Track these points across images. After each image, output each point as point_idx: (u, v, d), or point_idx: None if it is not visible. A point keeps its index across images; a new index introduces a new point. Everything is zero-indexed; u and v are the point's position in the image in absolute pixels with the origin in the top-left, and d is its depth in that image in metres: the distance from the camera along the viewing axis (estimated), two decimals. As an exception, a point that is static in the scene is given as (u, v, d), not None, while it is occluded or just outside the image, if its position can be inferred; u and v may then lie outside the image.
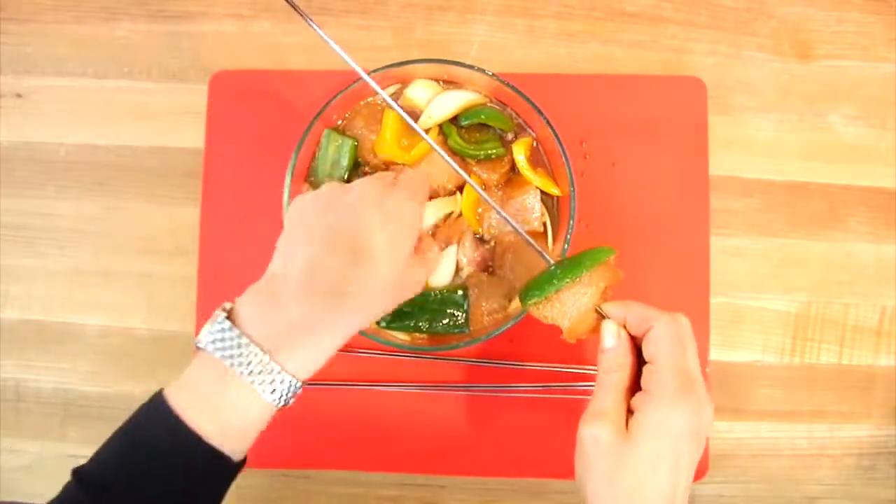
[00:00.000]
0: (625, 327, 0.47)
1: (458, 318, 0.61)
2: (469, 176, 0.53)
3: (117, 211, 0.70)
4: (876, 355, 0.68)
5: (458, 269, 0.62)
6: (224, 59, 0.71)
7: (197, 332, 0.66)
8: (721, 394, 0.67)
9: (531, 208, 0.61)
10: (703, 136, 0.68)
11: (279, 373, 0.42)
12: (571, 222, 0.59)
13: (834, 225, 0.69)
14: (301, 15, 0.49)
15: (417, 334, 0.62)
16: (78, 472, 0.42)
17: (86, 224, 0.70)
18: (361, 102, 0.63)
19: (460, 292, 0.61)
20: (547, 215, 0.63)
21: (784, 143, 0.70)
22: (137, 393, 0.69)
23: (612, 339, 0.46)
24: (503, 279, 0.62)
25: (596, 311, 0.48)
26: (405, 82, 0.63)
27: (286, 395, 0.43)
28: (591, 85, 0.69)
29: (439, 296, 0.61)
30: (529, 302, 0.50)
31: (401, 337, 0.62)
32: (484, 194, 0.53)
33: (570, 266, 0.49)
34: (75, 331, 0.69)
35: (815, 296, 0.69)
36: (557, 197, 0.63)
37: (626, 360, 0.46)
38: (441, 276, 0.62)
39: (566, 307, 0.48)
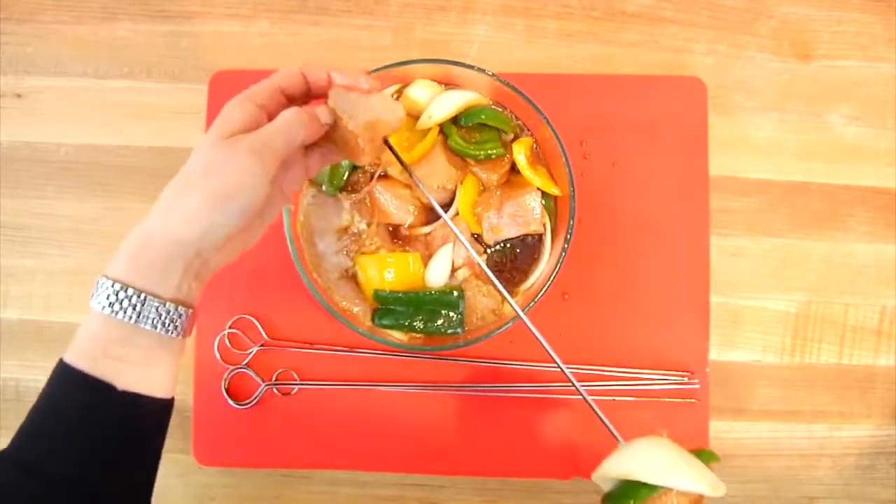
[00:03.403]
0: None
1: (454, 319, 0.61)
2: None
3: (117, 211, 0.70)
4: (876, 355, 0.68)
5: (453, 270, 0.62)
6: (224, 59, 0.71)
7: (197, 332, 0.67)
8: (721, 394, 0.67)
9: (531, 209, 0.61)
10: (703, 136, 0.68)
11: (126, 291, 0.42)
12: (571, 222, 0.59)
13: (834, 225, 0.69)
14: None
15: (414, 334, 0.62)
16: (1, 456, 0.42)
17: (86, 224, 0.70)
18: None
19: (455, 293, 0.61)
20: (547, 216, 0.63)
21: (784, 143, 0.70)
22: (137, 393, 0.68)
23: None
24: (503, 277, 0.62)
25: None
26: (405, 82, 0.63)
27: (153, 316, 0.43)
28: (591, 85, 0.69)
29: (434, 296, 0.61)
30: None
31: (398, 336, 0.62)
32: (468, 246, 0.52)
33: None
34: (75, 331, 0.69)
35: (815, 296, 0.69)
36: (557, 197, 0.63)
37: None
38: (437, 277, 0.62)
39: None
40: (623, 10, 0.71)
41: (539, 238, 0.63)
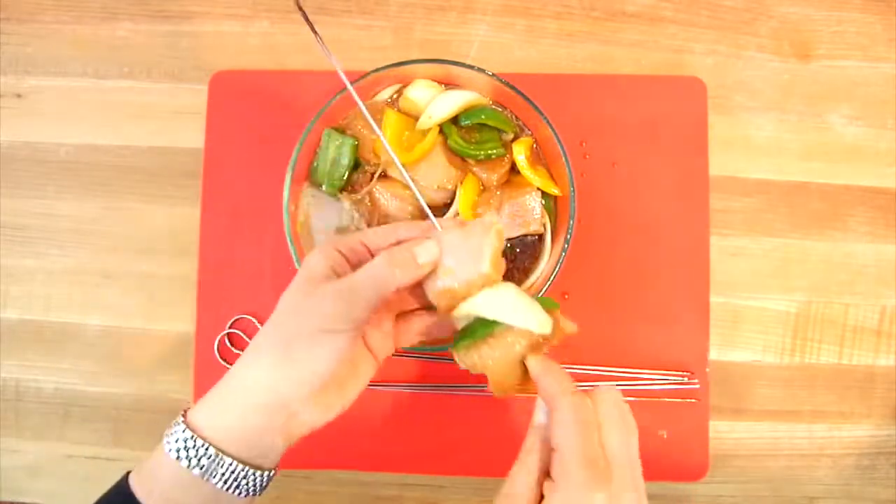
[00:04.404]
0: None
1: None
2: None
3: (117, 211, 0.70)
4: (876, 355, 0.68)
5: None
6: (224, 59, 0.71)
7: (197, 332, 0.67)
8: (721, 394, 0.67)
9: (532, 209, 0.61)
10: (703, 136, 0.68)
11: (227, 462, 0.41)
12: (571, 222, 0.59)
13: (834, 225, 0.69)
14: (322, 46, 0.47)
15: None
16: None
17: (86, 224, 0.70)
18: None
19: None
20: (547, 216, 0.63)
21: (784, 143, 0.70)
22: (137, 393, 0.69)
23: (544, 414, 0.41)
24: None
25: (523, 363, 0.44)
26: (405, 82, 0.63)
27: (236, 482, 0.42)
28: (591, 85, 0.69)
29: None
30: (459, 345, 0.45)
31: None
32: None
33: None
34: (75, 331, 0.69)
35: (815, 296, 0.69)
36: (557, 197, 0.63)
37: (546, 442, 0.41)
38: None
39: (494, 354, 0.44)
40: (623, 10, 0.71)
41: (539, 238, 0.63)
